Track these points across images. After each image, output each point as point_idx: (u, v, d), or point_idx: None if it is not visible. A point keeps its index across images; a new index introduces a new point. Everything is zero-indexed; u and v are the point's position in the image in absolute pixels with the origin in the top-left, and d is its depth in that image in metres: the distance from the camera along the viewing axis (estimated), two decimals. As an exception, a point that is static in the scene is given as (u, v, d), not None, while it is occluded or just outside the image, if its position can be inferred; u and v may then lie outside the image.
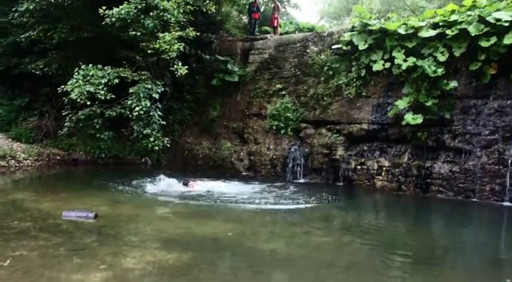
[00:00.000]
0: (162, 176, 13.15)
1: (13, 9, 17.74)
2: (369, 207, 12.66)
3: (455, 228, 10.32)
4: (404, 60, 14.08)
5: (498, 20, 12.62)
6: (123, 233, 8.14)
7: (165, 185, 12.72)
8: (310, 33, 18.73)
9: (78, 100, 13.60)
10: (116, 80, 14.37)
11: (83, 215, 8.92)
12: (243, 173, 17.43)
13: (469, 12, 13.51)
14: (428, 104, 13.43)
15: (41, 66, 18.63)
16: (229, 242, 7.89)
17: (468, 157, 13.29)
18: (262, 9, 23.36)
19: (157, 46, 14.70)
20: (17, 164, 16.99)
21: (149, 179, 13.67)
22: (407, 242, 8.57)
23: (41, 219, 8.87)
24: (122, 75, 14.72)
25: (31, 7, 16.48)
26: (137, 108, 14.10)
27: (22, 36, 17.79)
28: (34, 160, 17.64)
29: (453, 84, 13.41)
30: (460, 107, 13.59)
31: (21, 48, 19.78)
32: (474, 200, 12.88)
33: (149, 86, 14.67)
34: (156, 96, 14.79)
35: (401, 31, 14.39)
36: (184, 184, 12.99)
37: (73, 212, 9.05)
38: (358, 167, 15.09)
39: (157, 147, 14.87)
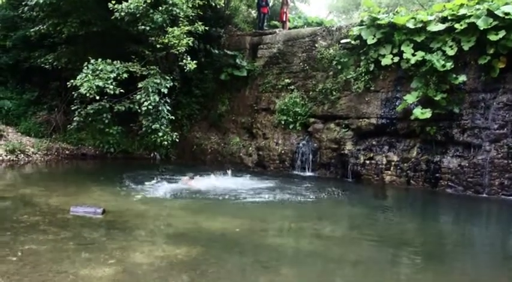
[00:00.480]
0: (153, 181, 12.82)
1: (23, 3, 17.82)
2: (378, 202, 12.61)
3: (464, 223, 10.30)
4: (413, 55, 14.04)
5: (507, 13, 12.57)
6: (131, 228, 8.18)
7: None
8: (318, 27, 18.68)
9: (88, 94, 13.66)
10: (125, 75, 14.40)
11: (90, 211, 8.91)
12: (252, 168, 17.45)
13: (477, 6, 13.44)
14: (437, 98, 13.39)
15: (50, 60, 18.75)
16: (238, 237, 7.90)
17: (477, 151, 13.25)
18: (271, 4, 23.29)
19: (166, 41, 14.71)
20: (26, 158, 17.12)
21: (156, 175, 13.71)
22: (416, 238, 8.57)
23: (50, 213, 8.92)
24: (131, 69, 14.76)
25: (41, 1, 16.52)
26: (146, 103, 14.13)
27: (32, 30, 17.90)
28: (43, 154, 17.77)
29: (462, 78, 13.36)
30: (468, 101, 13.54)
31: (31, 42, 19.91)
32: (483, 194, 12.84)
33: (158, 81, 14.70)
34: (165, 90, 14.82)
35: (410, 25, 14.33)
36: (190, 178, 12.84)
37: (81, 208, 9.05)
38: (367, 161, 15.07)
39: (166, 142, 14.91)
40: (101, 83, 13.69)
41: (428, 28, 14.09)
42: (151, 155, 19.24)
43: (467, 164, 13.28)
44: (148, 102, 14.18)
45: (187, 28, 15.05)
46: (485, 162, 12.96)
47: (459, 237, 8.91)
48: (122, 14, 14.43)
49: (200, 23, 15.82)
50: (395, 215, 10.93)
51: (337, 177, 15.72)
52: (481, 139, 13.19)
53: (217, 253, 6.93)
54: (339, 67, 16.29)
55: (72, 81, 14.18)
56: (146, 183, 12.47)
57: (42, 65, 19.03)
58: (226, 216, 9.46)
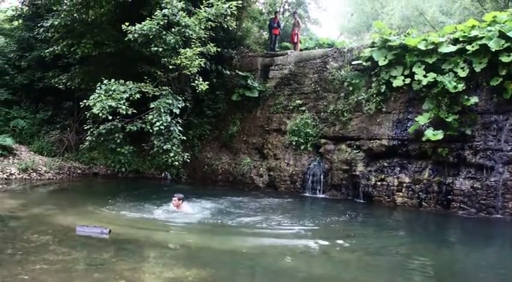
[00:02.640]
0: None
1: (38, 24, 18.10)
2: (389, 224, 12.48)
3: (477, 246, 10.15)
4: (425, 76, 14.04)
5: (519, 35, 12.56)
6: (140, 249, 8.16)
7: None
8: (330, 49, 18.76)
9: (100, 114, 13.73)
10: (137, 95, 14.47)
11: (97, 231, 8.83)
12: (263, 189, 17.44)
13: (489, 28, 13.47)
14: (449, 119, 13.34)
15: (64, 81, 18.98)
16: (248, 260, 7.86)
17: (490, 173, 13.14)
18: (282, 25, 23.48)
19: (179, 62, 14.81)
20: (39, 177, 17.25)
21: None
22: (428, 262, 8.44)
23: (61, 233, 8.92)
24: (143, 90, 14.84)
25: (56, 23, 16.82)
26: (158, 123, 14.17)
27: (46, 50, 18.11)
28: (55, 173, 17.90)
29: (474, 99, 13.31)
30: (481, 123, 13.47)
31: (45, 63, 20.22)
32: (497, 216, 12.70)
33: (170, 101, 14.75)
34: (177, 111, 14.86)
35: (422, 47, 14.36)
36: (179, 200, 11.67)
37: (87, 228, 8.96)
38: (378, 183, 14.99)
39: (177, 162, 14.90)
40: (113, 103, 13.76)
41: (440, 50, 14.11)
42: (163, 174, 19.31)
43: (479, 186, 13.17)
44: (160, 122, 14.22)
45: (199, 49, 15.15)
46: (498, 184, 12.85)
47: (472, 262, 8.78)
48: (135, 35, 14.56)
49: (212, 45, 15.93)
50: (407, 238, 10.81)
51: (348, 198, 15.64)
52: (494, 161, 13.10)
53: (228, 275, 6.89)
54: (350, 88, 16.32)
55: (85, 101, 14.28)
56: (155, 204, 12.46)
57: (56, 85, 19.29)
58: (235, 238, 9.42)
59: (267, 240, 9.37)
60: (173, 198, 11.57)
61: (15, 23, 24.27)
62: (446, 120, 13.38)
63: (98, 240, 8.55)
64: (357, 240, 10.15)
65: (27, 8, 22.14)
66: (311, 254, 8.68)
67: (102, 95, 13.94)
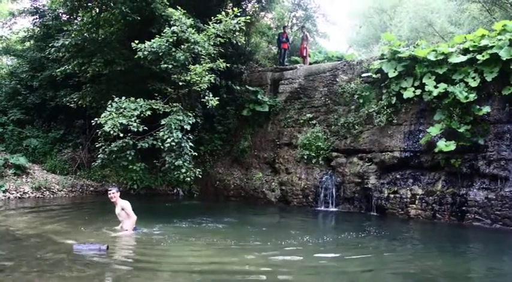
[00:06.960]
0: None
1: (50, 44, 18.28)
2: (403, 236, 12.30)
3: (494, 259, 9.97)
4: (435, 87, 13.99)
5: (530, 44, 12.50)
6: (155, 265, 8.13)
7: None
8: (339, 62, 18.80)
9: (112, 132, 13.78)
10: (148, 112, 14.52)
11: (95, 248, 8.68)
12: (275, 203, 17.40)
13: (499, 37, 13.42)
14: (461, 130, 13.26)
15: (75, 99, 19.13)
16: (262, 274, 7.80)
17: (504, 183, 13.01)
18: (291, 40, 23.56)
19: (189, 78, 14.86)
20: (52, 195, 17.35)
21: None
22: (444, 276, 8.32)
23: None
24: (154, 107, 14.89)
25: (67, 42, 17.00)
26: (169, 140, 14.19)
27: (58, 70, 18.28)
28: (68, 191, 18.00)
29: (486, 109, 13.24)
30: (494, 133, 13.37)
31: (57, 82, 20.45)
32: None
33: (181, 118, 14.78)
34: (188, 127, 14.88)
35: (431, 57, 14.32)
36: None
37: (84, 245, 8.83)
38: (391, 195, 14.89)
39: (188, 178, 14.89)
40: (124, 121, 13.81)
41: (450, 60, 14.06)
42: (174, 191, 19.33)
43: (494, 197, 13.04)
44: (171, 138, 14.24)
45: (209, 65, 15.20)
46: (513, 194, 12.72)
47: (490, 276, 8.63)
48: (145, 53, 14.65)
49: (222, 60, 15.97)
50: (422, 251, 10.65)
51: (361, 211, 15.55)
52: (508, 171, 12.97)
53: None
54: (361, 101, 16.30)
55: (96, 119, 14.35)
56: (168, 221, 12.44)
57: (68, 103, 19.46)
58: (248, 253, 9.34)
59: (279, 256, 9.28)
60: (109, 191, 11.02)
61: (27, 44, 24.64)
62: (459, 130, 13.30)
63: (111, 257, 8.52)
64: (370, 253, 10.01)
65: (38, 29, 22.43)
66: (324, 268, 8.59)
67: (113, 113, 14.00)
